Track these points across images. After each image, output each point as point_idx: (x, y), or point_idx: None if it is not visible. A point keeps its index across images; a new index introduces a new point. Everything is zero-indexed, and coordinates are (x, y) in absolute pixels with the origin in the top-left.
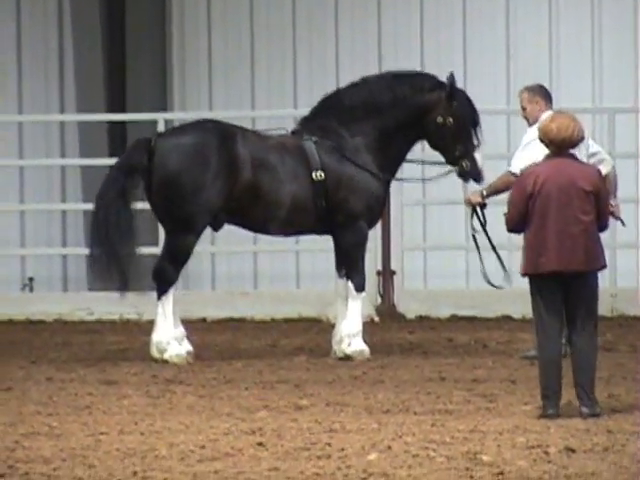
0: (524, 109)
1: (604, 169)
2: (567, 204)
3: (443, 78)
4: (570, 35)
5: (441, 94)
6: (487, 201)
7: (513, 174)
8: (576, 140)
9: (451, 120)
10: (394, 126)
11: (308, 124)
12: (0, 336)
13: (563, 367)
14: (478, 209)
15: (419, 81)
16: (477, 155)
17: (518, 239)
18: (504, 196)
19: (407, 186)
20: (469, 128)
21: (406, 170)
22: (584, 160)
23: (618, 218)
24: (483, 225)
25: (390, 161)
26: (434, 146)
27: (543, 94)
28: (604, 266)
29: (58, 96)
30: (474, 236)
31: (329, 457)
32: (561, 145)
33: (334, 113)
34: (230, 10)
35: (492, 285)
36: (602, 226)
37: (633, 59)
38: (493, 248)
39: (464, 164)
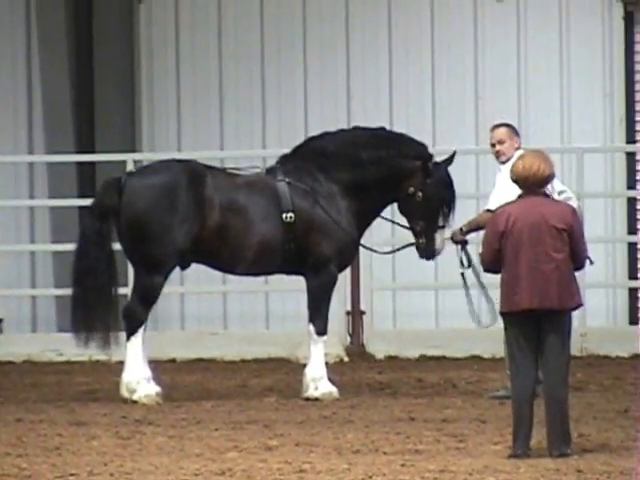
0: (501, 143)
1: None
2: (539, 242)
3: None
4: (538, 75)
5: (421, 165)
6: (468, 238)
7: (491, 212)
8: (544, 178)
9: (420, 195)
10: (372, 183)
11: (286, 163)
12: None
13: (535, 406)
14: (460, 247)
15: (406, 147)
16: (437, 236)
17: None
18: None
19: (376, 226)
20: (437, 208)
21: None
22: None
23: (586, 257)
24: (469, 263)
25: (364, 213)
26: (401, 212)
27: (517, 132)
28: (579, 305)
29: (27, 137)
30: (462, 274)
31: None
32: (530, 183)
33: (315, 156)
34: (198, 52)
35: (480, 325)
36: (578, 264)
37: (602, 99)
38: (481, 284)
39: (420, 240)
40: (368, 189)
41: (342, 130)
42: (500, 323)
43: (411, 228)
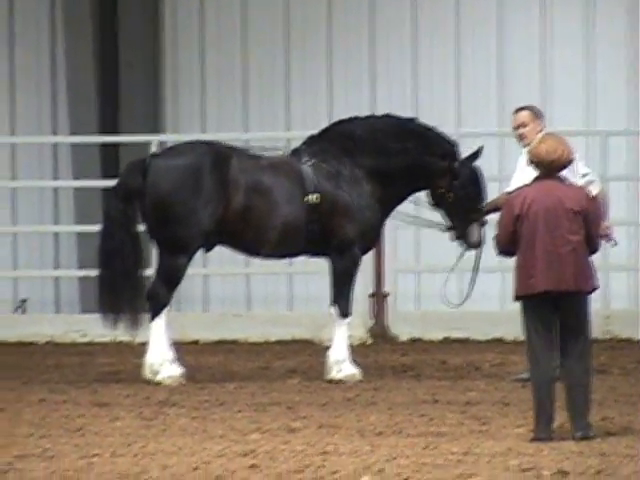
0: (524, 126)
1: (594, 190)
2: (555, 225)
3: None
4: (562, 59)
5: (449, 166)
6: (487, 219)
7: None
8: (564, 162)
9: (451, 196)
10: (396, 173)
11: (311, 145)
12: None
13: (560, 390)
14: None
15: (435, 144)
16: (472, 230)
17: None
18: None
19: (400, 209)
20: (467, 207)
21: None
22: (576, 181)
23: (611, 239)
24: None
25: (389, 198)
26: (433, 207)
27: (541, 115)
28: (595, 288)
29: (51, 118)
30: (462, 253)
31: (322, 479)
32: (550, 167)
33: (342, 139)
34: (223, 34)
35: (450, 304)
36: (592, 248)
37: (625, 82)
38: (476, 265)
39: (457, 235)
40: (392, 178)
41: (372, 116)
42: (518, 306)
43: (445, 222)
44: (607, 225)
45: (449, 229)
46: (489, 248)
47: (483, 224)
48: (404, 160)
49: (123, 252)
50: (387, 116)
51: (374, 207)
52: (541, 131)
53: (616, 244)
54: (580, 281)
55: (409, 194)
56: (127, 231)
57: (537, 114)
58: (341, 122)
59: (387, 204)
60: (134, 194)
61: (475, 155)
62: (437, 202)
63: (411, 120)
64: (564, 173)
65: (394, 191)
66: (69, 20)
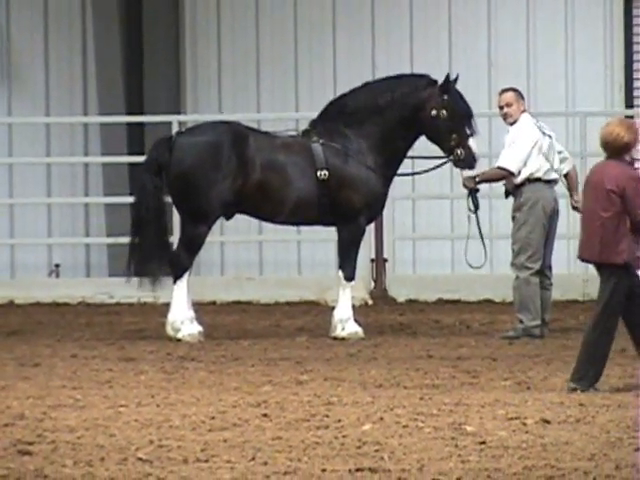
0: (509, 105)
1: (567, 167)
2: (593, 200)
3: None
4: (545, 44)
5: (434, 90)
6: (479, 187)
7: (501, 168)
8: (622, 144)
9: (444, 112)
10: (394, 125)
11: (317, 126)
12: (29, 317)
13: (543, 347)
14: (472, 193)
15: (414, 81)
16: (471, 142)
17: (503, 229)
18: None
19: (398, 182)
20: (462, 118)
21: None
22: (553, 162)
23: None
24: (476, 208)
25: (392, 159)
26: (431, 138)
27: (522, 96)
28: (627, 262)
29: (82, 100)
30: (469, 216)
31: (327, 427)
32: (606, 148)
33: (340, 116)
34: (238, 22)
35: (471, 266)
36: (633, 222)
37: (603, 68)
38: (479, 231)
39: (459, 152)
40: (393, 131)
41: (355, 88)
42: (506, 270)
43: (445, 148)
44: (578, 199)
45: (448, 151)
46: (481, 215)
47: (476, 191)
48: (397, 108)
49: (154, 221)
50: (365, 83)
51: (379, 178)
52: (524, 111)
53: None
54: (605, 254)
55: (411, 143)
56: (157, 202)
57: (520, 95)
58: (332, 102)
59: (391, 167)
60: (162, 168)
61: (454, 79)
62: (432, 128)
63: (386, 76)
64: (551, 146)
65: (396, 149)
66: (98, 9)
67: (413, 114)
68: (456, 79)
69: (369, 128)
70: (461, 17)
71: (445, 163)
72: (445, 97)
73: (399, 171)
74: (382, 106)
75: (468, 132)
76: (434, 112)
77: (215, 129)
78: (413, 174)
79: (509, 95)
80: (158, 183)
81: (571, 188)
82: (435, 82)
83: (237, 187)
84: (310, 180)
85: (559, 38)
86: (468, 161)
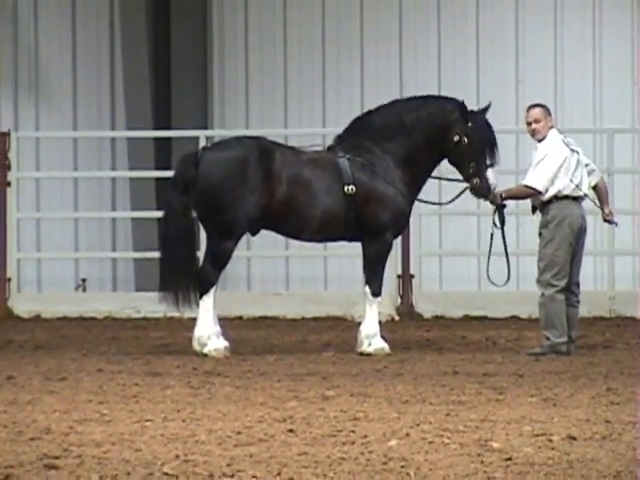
0: (537, 122)
1: (595, 179)
2: None
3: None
4: (573, 62)
5: (458, 115)
6: (506, 203)
7: (528, 187)
8: None
9: (466, 139)
10: (420, 145)
11: (342, 141)
12: (55, 331)
13: (570, 364)
14: (497, 209)
15: (442, 103)
16: (489, 173)
17: (530, 245)
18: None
19: (424, 197)
20: (483, 147)
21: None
22: (582, 179)
23: (613, 222)
24: (502, 224)
25: (417, 177)
26: (452, 163)
27: (550, 113)
28: None
29: (109, 114)
30: (492, 235)
31: (353, 443)
32: None
33: (366, 132)
34: (265, 38)
35: (493, 284)
36: None
37: (630, 85)
38: (505, 247)
39: (474, 181)
40: (418, 151)
41: (382, 105)
42: (532, 286)
43: (464, 174)
44: (609, 211)
45: (467, 178)
46: (507, 232)
47: (503, 207)
48: (422, 128)
49: (182, 239)
50: (394, 101)
51: (405, 193)
52: (552, 127)
53: (617, 225)
54: None
55: (435, 164)
56: (185, 218)
57: (548, 111)
58: (358, 118)
59: (416, 185)
60: (188, 184)
61: (486, 108)
62: (454, 153)
63: (414, 96)
64: (578, 163)
65: (421, 167)
66: (126, 27)
67: (438, 136)
68: (487, 108)
69: (394, 145)
70: (488, 34)
71: (464, 191)
72: (469, 124)
73: (425, 198)
74: (408, 125)
75: (488, 162)
76: (456, 138)
77: (241, 144)
78: (439, 204)
79: (537, 111)
80: (185, 200)
81: (601, 201)
82: (464, 106)
83: (263, 203)
84: (337, 195)
85: (587, 54)
86: (483, 192)
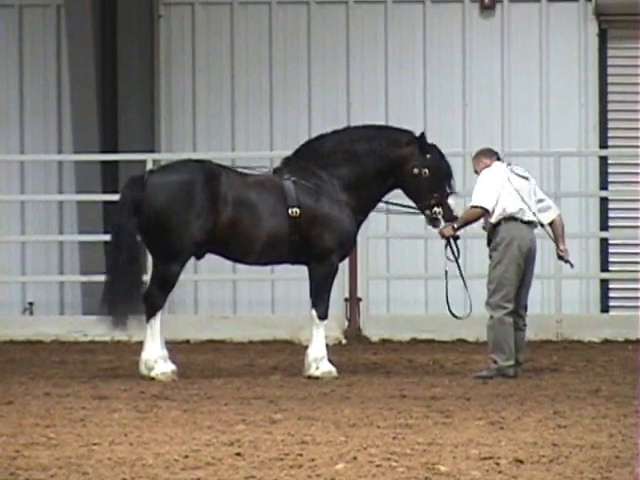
0: (487, 166)
1: (551, 215)
2: None
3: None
4: (520, 85)
5: (415, 148)
6: (459, 233)
7: (475, 207)
8: None
9: (427, 171)
10: (370, 174)
11: (290, 164)
12: (2, 355)
13: (517, 387)
14: (452, 241)
15: (396, 135)
16: (451, 201)
17: (477, 269)
18: (478, 231)
19: (372, 221)
20: (443, 178)
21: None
22: (529, 203)
23: (567, 261)
24: (456, 255)
25: (364, 202)
26: (409, 195)
27: (486, 154)
28: None
29: (56, 138)
30: (446, 272)
31: (300, 467)
32: None
33: (315, 156)
34: (212, 63)
35: (453, 316)
36: None
37: (577, 108)
38: (463, 279)
39: (437, 210)
40: (368, 179)
41: (335, 131)
42: (480, 309)
43: (423, 205)
44: (564, 248)
45: (426, 209)
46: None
47: (456, 238)
48: (374, 158)
49: (129, 261)
50: (347, 127)
51: (351, 217)
52: (489, 164)
53: (572, 267)
54: None
55: (384, 193)
56: (132, 241)
57: (494, 153)
58: (310, 141)
59: (363, 210)
60: (135, 207)
61: (422, 135)
62: (414, 185)
63: (369, 125)
64: (527, 189)
65: (370, 193)
66: (73, 51)
67: (391, 168)
68: (422, 134)
69: (343, 171)
70: (435, 56)
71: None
72: (428, 156)
73: (372, 222)
74: (359, 153)
75: (448, 191)
76: (416, 170)
77: (187, 167)
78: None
79: (484, 161)
80: (131, 223)
81: (557, 237)
82: (423, 139)
83: (209, 226)
84: (281, 218)
85: (533, 78)
86: (447, 219)
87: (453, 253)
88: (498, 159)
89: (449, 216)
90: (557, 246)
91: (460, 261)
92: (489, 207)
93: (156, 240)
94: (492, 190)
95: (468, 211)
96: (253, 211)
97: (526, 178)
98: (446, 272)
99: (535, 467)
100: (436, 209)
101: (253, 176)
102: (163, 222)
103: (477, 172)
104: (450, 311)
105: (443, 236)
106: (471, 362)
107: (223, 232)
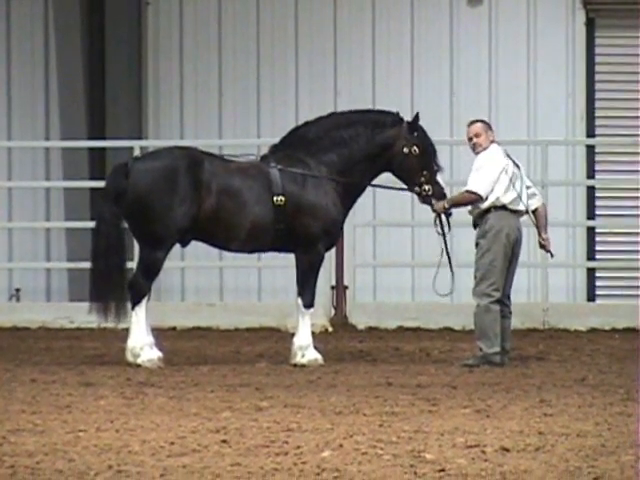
0: (478, 136)
1: (536, 203)
2: None
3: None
4: (508, 75)
5: (401, 128)
6: (452, 211)
7: (470, 192)
8: None
9: (416, 149)
10: (358, 158)
11: (277, 152)
12: None
13: (503, 375)
14: (443, 216)
15: (381, 117)
16: (439, 178)
17: (464, 257)
18: (465, 219)
19: (359, 208)
20: (431, 154)
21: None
22: (521, 192)
23: (548, 251)
24: (444, 230)
25: (351, 189)
26: (399, 175)
27: (491, 127)
28: None
29: (44, 125)
30: (442, 248)
31: (286, 454)
32: None
33: (302, 143)
34: (200, 50)
35: (438, 294)
36: None
37: (565, 97)
38: (448, 255)
39: (426, 187)
40: (356, 164)
41: (320, 117)
42: (466, 298)
43: (414, 184)
44: (546, 237)
45: (417, 186)
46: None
47: (449, 215)
48: (361, 142)
49: (113, 249)
50: (333, 113)
51: (337, 205)
52: (493, 141)
53: (552, 256)
54: None
55: (372, 178)
56: (116, 228)
57: (489, 126)
58: (296, 128)
59: (350, 196)
60: (119, 194)
61: (416, 117)
62: (404, 165)
63: (355, 109)
64: (519, 177)
65: (357, 180)
66: (61, 37)
67: (380, 151)
68: (417, 117)
69: (331, 157)
70: (423, 46)
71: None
72: (415, 134)
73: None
74: (346, 138)
75: (436, 168)
76: (406, 149)
77: (171, 154)
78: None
79: (477, 126)
80: (116, 210)
81: (539, 226)
82: (401, 119)
83: (193, 212)
84: (266, 206)
85: (521, 67)
86: (439, 195)
87: (442, 228)
88: None
89: (439, 193)
90: (539, 234)
91: (447, 238)
92: (484, 194)
93: (140, 227)
94: (490, 178)
95: (463, 194)
96: (237, 198)
97: (518, 166)
98: (442, 248)
99: (521, 455)
100: (426, 187)
101: (238, 163)
102: (146, 208)
103: (479, 140)
104: (434, 289)
105: (435, 211)
106: (457, 350)
107: (206, 219)
